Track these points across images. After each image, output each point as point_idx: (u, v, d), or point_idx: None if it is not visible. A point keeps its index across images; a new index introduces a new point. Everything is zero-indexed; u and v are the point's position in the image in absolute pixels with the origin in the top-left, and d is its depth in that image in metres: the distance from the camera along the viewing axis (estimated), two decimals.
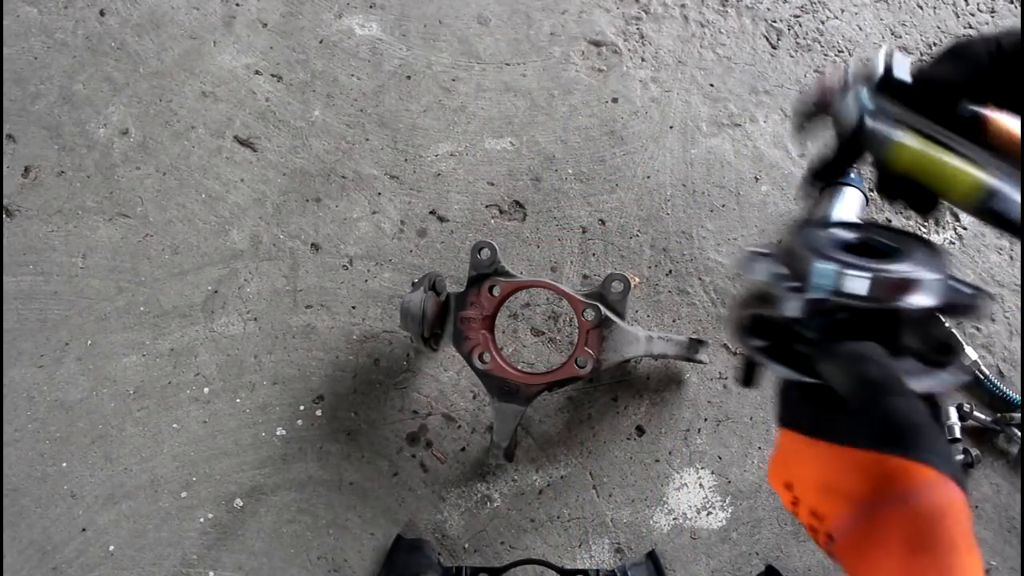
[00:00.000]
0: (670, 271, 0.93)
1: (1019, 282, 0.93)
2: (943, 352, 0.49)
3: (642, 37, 1.00)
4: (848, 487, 0.40)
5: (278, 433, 0.90)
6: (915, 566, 0.37)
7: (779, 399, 0.48)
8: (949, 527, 0.38)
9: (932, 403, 0.46)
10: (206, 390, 0.91)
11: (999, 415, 0.88)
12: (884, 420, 0.40)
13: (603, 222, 0.94)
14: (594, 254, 0.94)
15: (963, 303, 0.48)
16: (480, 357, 0.80)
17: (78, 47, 0.99)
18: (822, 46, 0.99)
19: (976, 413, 0.87)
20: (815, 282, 0.47)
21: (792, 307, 0.48)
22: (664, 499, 0.89)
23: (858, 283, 0.46)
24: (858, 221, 0.56)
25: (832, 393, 0.44)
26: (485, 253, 0.80)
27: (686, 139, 0.97)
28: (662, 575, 0.85)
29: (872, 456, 0.40)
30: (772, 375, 0.49)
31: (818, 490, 0.42)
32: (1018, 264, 0.93)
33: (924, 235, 0.52)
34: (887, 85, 0.50)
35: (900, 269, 0.47)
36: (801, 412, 0.45)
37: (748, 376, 0.56)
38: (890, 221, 0.93)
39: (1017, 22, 1.00)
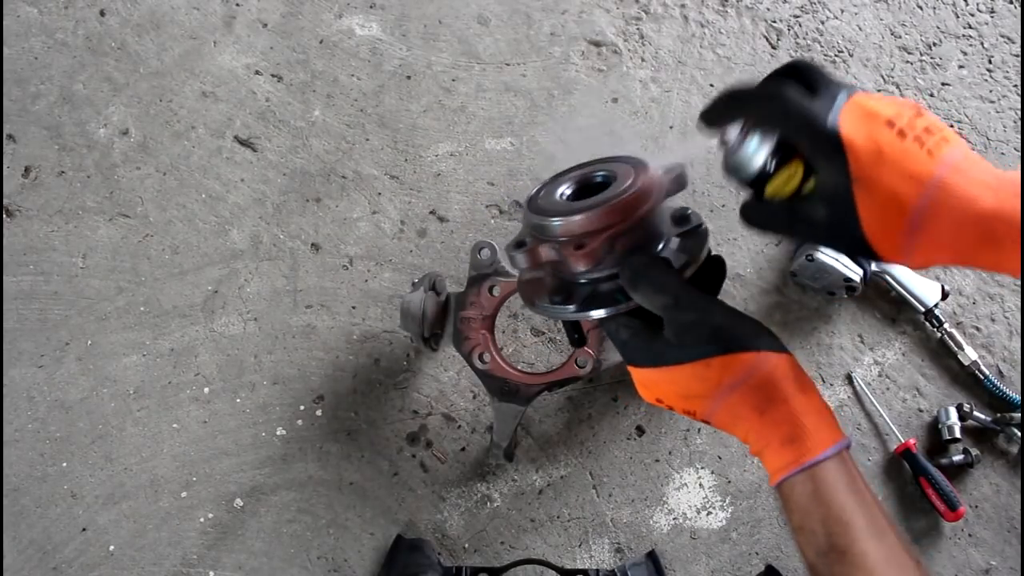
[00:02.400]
0: None
1: (1019, 282, 0.93)
2: (683, 222, 0.58)
3: (642, 37, 1.00)
4: (698, 391, 0.51)
5: (278, 433, 0.90)
6: (767, 420, 0.49)
7: (615, 344, 0.56)
8: (778, 386, 0.49)
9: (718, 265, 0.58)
10: (206, 390, 0.91)
11: (999, 415, 0.88)
12: (693, 335, 0.51)
13: None
14: None
15: (672, 188, 0.57)
16: (480, 357, 0.80)
17: (78, 47, 0.99)
18: (822, 46, 0.99)
19: (976, 413, 0.87)
20: (527, 240, 0.57)
21: (519, 260, 0.57)
22: (664, 499, 0.89)
23: (550, 229, 0.55)
24: (582, 168, 0.63)
25: (648, 315, 0.53)
26: (485, 253, 0.80)
27: (686, 139, 0.97)
28: (662, 575, 0.85)
29: (699, 366, 0.50)
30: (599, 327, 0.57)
31: (679, 398, 0.53)
32: None
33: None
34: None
35: (573, 219, 0.55)
36: (636, 350, 0.54)
37: (574, 337, 0.66)
38: None
39: (1017, 22, 1.00)
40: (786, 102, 0.46)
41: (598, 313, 0.55)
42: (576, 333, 0.66)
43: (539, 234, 0.56)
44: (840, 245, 0.48)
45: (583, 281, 0.57)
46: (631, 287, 0.53)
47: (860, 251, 0.47)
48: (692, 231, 0.58)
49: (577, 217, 0.54)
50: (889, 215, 0.44)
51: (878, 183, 0.44)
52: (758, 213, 0.51)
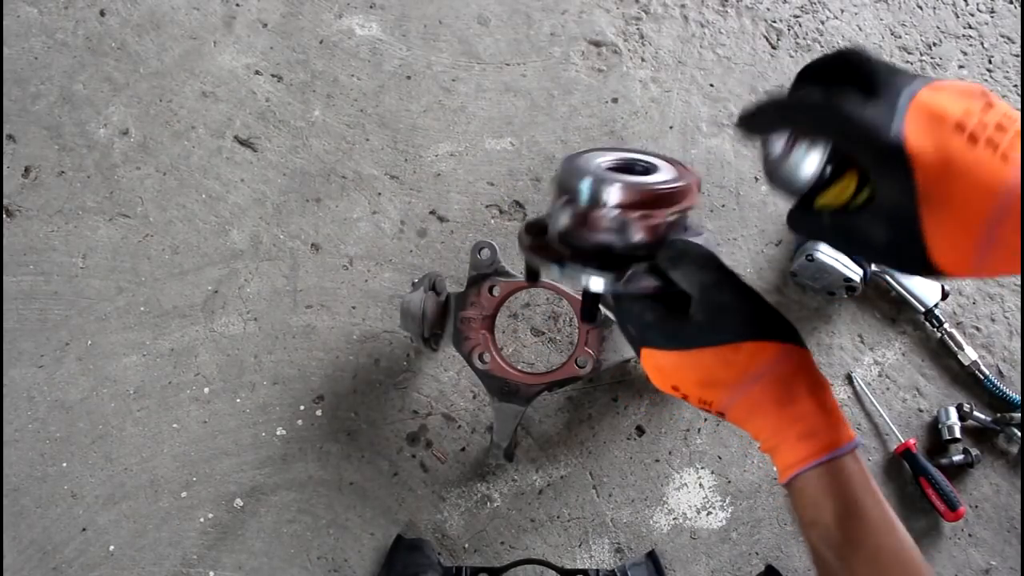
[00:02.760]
0: None
1: (1019, 282, 0.93)
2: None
3: (642, 37, 1.00)
4: (720, 378, 0.50)
5: (278, 433, 0.90)
6: (786, 414, 0.49)
7: (633, 325, 0.54)
8: (800, 380, 0.49)
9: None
10: (206, 390, 0.91)
11: (999, 415, 0.88)
12: (728, 317, 0.49)
13: None
14: None
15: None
16: (480, 357, 0.80)
17: (78, 47, 0.99)
18: (822, 46, 0.99)
19: (976, 413, 0.87)
20: (580, 195, 0.54)
21: (562, 218, 0.55)
22: (664, 499, 0.89)
23: (612, 191, 0.53)
24: (621, 151, 0.61)
25: (674, 301, 0.53)
26: (485, 253, 0.80)
27: (686, 139, 0.97)
28: (662, 575, 0.85)
29: (728, 349, 0.49)
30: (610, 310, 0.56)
31: (698, 386, 0.51)
32: None
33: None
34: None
35: (647, 180, 0.54)
36: (661, 332, 0.52)
37: (591, 312, 0.63)
38: None
39: (1017, 22, 1.00)
40: (842, 113, 0.42)
41: (636, 286, 0.54)
42: (594, 308, 0.63)
43: (595, 196, 0.54)
44: (899, 264, 0.45)
45: (618, 256, 0.55)
46: (672, 264, 0.52)
47: (923, 270, 0.44)
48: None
49: (658, 182, 0.54)
50: (960, 233, 0.41)
51: (949, 200, 0.40)
52: (807, 224, 0.49)
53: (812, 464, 0.48)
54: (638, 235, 0.54)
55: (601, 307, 0.80)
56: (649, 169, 0.58)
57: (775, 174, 0.48)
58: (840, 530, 0.47)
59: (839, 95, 0.43)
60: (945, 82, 0.43)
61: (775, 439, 0.49)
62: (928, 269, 0.43)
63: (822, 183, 0.46)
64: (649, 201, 0.53)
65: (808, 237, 0.50)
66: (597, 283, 0.54)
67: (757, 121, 0.46)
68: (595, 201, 0.54)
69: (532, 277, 0.65)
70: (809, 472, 0.48)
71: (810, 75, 0.48)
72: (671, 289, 0.53)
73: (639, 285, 0.54)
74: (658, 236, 0.54)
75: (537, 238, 0.59)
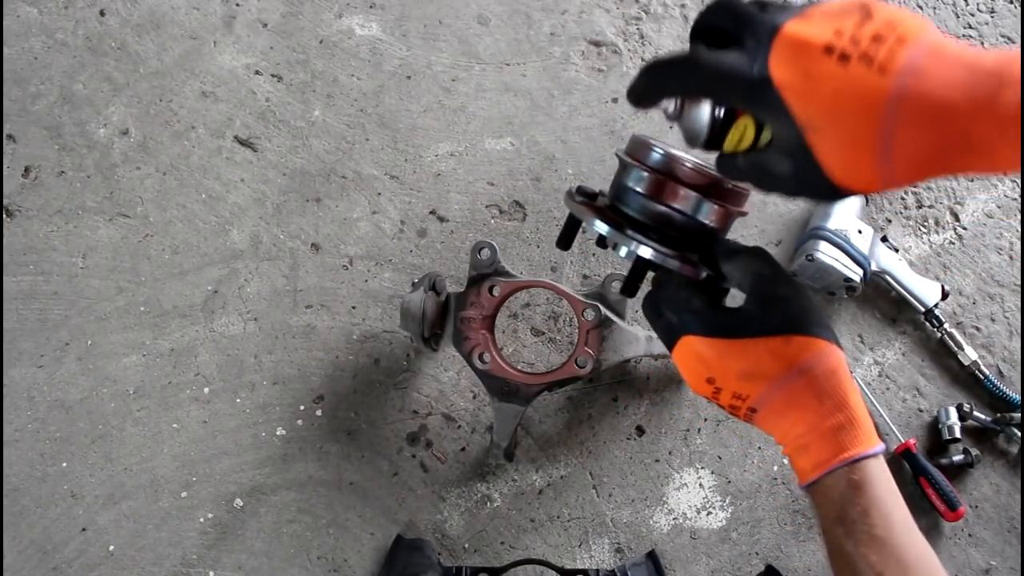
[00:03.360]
0: None
1: (1019, 282, 0.93)
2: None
3: (642, 37, 1.00)
4: (764, 369, 0.50)
5: (278, 433, 0.90)
6: (824, 411, 0.49)
7: (675, 312, 0.54)
8: (841, 378, 0.50)
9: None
10: (206, 390, 0.91)
11: (999, 415, 0.88)
12: (782, 309, 0.50)
13: None
14: (594, 254, 0.94)
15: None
16: (480, 357, 0.80)
17: (78, 47, 0.99)
18: None
19: (976, 413, 0.87)
20: (652, 160, 0.56)
21: (634, 182, 0.57)
22: (664, 499, 0.89)
23: (684, 169, 0.55)
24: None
25: (715, 294, 0.54)
26: (485, 253, 0.80)
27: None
28: (662, 575, 0.85)
29: (779, 341, 0.49)
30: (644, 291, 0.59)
31: (739, 378, 0.51)
32: (1018, 264, 0.93)
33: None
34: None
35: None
36: (707, 319, 0.52)
37: (634, 285, 0.62)
38: (890, 222, 0.94)
39: (1017, 22, 1.00)
40: (700, 64, 0.42)
41: (685, 268, 0.55)
42: (638, 281, 0.62)
43: (669, 167, 0.55)
44: (810, 193, 0.46)
45: (673, 236, 0.56)
46: (727, 256, 0.53)
47: (836, 195, 0.44)
48: None
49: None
50: (853, 153, 0.40)
51: (830, 123, 0.40)
52: (728, 169, 0.50)
53: (846, 461, 0.48)
54: (709, 219, 0.55)
55: (603, 308, 0.80)
56: None
57: (682, 132, 0.50)
58: (867, 527, 0.47)
59: (697, 50, 0.44)
60: (821, 6, 0.42)
61: (808, 436, 0.49)
62: (839, 193, 0.44)
63: (720, 129, 0.48)
64: (723, 190, 0.55)
65: (736, 179, 0.51)
66: (646, 251, 0.55)
67: (637, 93, 0.47)
68: (671, 175, 0.55)
69: (565, 242, 0.64)
70: (840, 470, 0.48)
71: (696, 33, 0.49)
72: (719, 282, 0.55)
73: (688, 269, 0.54)
74: (723, 227, 0.56)
75: (587, 199, 0.60)
